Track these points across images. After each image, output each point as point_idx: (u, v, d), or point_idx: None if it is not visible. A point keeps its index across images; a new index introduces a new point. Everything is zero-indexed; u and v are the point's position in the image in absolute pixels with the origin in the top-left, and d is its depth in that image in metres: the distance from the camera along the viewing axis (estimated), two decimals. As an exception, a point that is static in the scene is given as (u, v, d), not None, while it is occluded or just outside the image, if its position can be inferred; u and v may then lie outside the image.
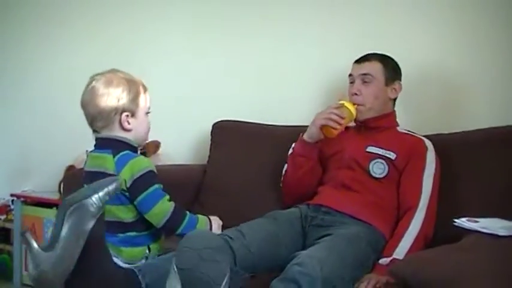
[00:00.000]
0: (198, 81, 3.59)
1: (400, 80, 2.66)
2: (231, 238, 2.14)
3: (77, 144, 3.48)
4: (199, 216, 2.25)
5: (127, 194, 2.15)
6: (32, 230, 3.58)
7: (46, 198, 3.61)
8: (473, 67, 2.83)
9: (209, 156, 3.22)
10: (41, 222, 3.56)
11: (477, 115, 2.79)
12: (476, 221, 2.00)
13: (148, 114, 2.28)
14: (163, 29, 3.73)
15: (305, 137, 2.61)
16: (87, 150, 3.02)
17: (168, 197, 2.18)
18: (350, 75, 2.67)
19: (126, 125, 2.18)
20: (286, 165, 2.71)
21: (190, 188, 3.12)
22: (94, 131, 2.25)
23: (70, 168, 3.45)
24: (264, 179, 2.94)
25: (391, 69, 2.64)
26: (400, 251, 2.23)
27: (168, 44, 3.72)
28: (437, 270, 1.80)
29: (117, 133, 2.19)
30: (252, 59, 3.42)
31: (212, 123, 3.27)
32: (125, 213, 2.17)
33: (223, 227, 2.79)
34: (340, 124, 2.49)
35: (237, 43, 3.47)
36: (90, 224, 1.89)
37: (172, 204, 2.16)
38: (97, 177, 2.10)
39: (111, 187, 1.91)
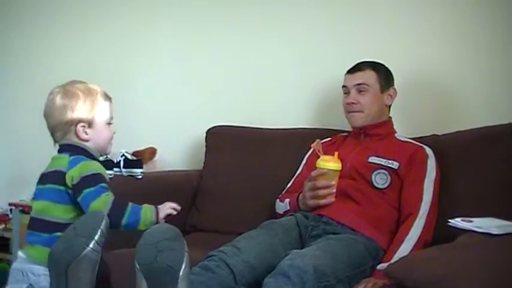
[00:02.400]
0: (193, 88, 3.58)
1: (394, 85, 2.67)
2: (227, 255, 2.11)
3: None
4: (144, 205, 2.13)
5: (70, 191, 2.08)
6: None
7: (44, 207, 3.60)
8: (465, 69, 2.84)
9: (204, 162, 3.22)
10: (39, 231, 3.56)
11: (471, 116, 2.79)
12: (471, 221, 2.01)
13: (111, 125, 2.25)
14: (157, 34, 3.73)
15: (302, 207, 2.57)
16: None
17: (111, 193, 2.11)
18: (344, 86, 2.67)
19: (83, 135, 2.16)
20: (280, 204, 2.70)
21: (187, 193, 3.11)
22: (55, 141, 2.24)
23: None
24: (259, 182, 2.94)
25: (384, 75, 2.64)
26: (399, 257, 2.19)
27: (162, 49, 3.71)
28: (431, 270, 1.81)
29: (75, 141, 2.19)
30: (246, 64, 3.42)
31: (206, 129, 3.27)
32: (61, 213, 2.09)
33: (219, 232, 2.81)
34: (332, 190, 2.45)
35: (231, 49, 3.47)
36: (95, 271, 1.81)
37: (112, 196, 2.08)
38: (50, 176, 2.12)
39: (103, 226, 1.82)
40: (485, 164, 2.48)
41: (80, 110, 2.16)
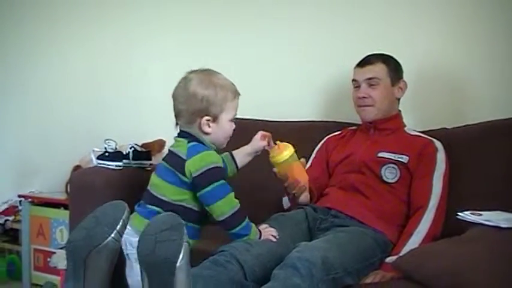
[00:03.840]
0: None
1: (403, 77, 2.66)
2: (238, 251, 2.09)
3: (83, 144, 3.53)
4: (253, 225, 2.19)
5: (188, 180, 2.12)
6: (40, 230, 3.62)
7: (54, 199, 3.63)
8: (475, 62, 2.83)
9: (215, 155, 3.22)
10: (48, 223, 3.59)
11: (480, 110, 2.78)
12: (480, 214, 2.02)
13: (233, 121, 2.26)
14: (168, 29, 3.76)
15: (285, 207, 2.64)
16: (93, 150, 3.06)
17: (233, 193, 2.17)
18: (354, 80, 2.65)
19: (205, 128, 2.16)
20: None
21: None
22: (177, 123, 2.24)
23: (76, 168, 3.47)
24: (266, 175, 2.93)
25: (394, 68, 2.62)
26: (408, 250, 2.20)
27: (173, 41, 3.73)
28: (440, 263, 1.83)
29: (196, 133, 2.19)
30: (256, 57, 3.43)
31: (216, 121, 3.27)
32: (172, 193, 2.13)
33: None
34: (301, 190, 2.42)
35: (241, 43, 3.49)
36: (114, 261, 1.81)
37: (238, 202, 2.15)
38: (171, 158, 2.17)
39: (124, 217, 1.81)
40: (494, 157, 2.47)
41: (210, 103, 2.15)
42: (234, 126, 2.26)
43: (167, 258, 1.70)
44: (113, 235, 1.77)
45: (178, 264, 1.69)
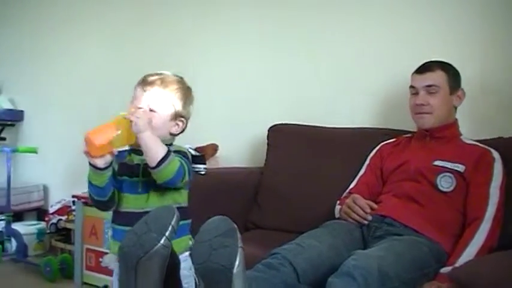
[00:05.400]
0: (255, 85, 3.62)
1: (461, 86, 2.61)
2: (290, 253, 2.10)
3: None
4: None
5: None
6: (92, 230, 3.66)
7: (107, 200, 3.67)
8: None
9: (266, 159, 3.24)
10: (101, 223, 3.63)
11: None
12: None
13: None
14: (219, 33, 3.78)
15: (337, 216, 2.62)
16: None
17: None
18: (412, 86, 2.62)
19: None
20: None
21: (249, 190, 3.15)
22: None
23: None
24: (321, 182, 2.94)
25: (453, 76, 2.58)
26: (463, 261, 2.17)
27: (225, 48, 3.76)
28: (496, 276, 1.79)
29: None
30: (309, 63, 3.43)
31: (268, 127, 3.29)
32: (181, 197, 2.12)
33: (280, 229, 2.81)
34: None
35: (293, 46, 3.49)
36: (165, 267, 1.80)
37: None
38: None
39: (173, 222, 1.80)
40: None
41: None
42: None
43: (223, 265, 1.69)
44: (162, 242, 1.77)
45: (235, 271, 1.69)
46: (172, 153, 1.98)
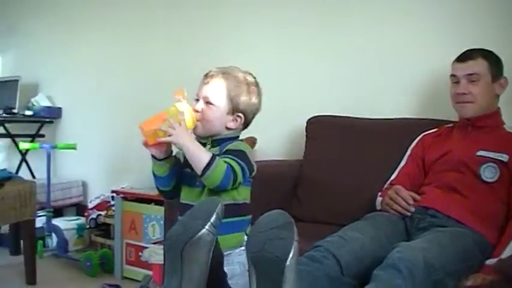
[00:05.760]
0: (294, 78, 3.61)
1: (503, 74, 2.56)
2: (333, 246, 2.09)
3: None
4: None
5: None
6: (132, 225, 3.68)
7: (146, 195, 3.69)
8: None
9: (305, 152, 3.23)
10: (140, 218, 3.65)
11: None
12: None
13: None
14: (260, 26, 3.78)
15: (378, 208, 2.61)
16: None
17: None
18: (453, 75, 2.57)
19: None
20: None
21: (288, 183, 3.14)
22: None
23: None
24: (361, 173, 2.91)
25: (496, 64, 2.53)
26: (509, 253, 2.13)
27: (261, 41, 3.75)
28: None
29: None
30: (348, 54, 3.40)
31: (306, 119, 3.27)
32: (238, 193, 2.12)
33: (320, 222, 2.79)
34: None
35: (333, 39, 3.46)
36: (210, 254, 1.82)
37: None
38: None
39: (218, 210, 1.83)
40: None
41: None
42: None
43: (277, 256, 1.70)
44: (207, 227, 1.79)
45: (288, 263, 1.69)
46: (216, 159, 2.00)
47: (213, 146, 2.14)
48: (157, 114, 2.06)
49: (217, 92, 2.11)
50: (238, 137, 2.21)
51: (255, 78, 2.23)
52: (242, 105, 2.14)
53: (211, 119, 2.11)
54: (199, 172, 1.98)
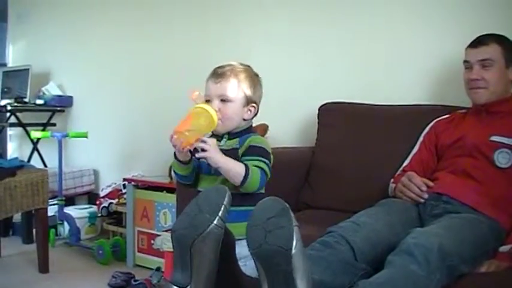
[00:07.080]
0: (306, 64, 3.59)
1: None
2: (346, 231, 2.07)
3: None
4: None
5: None
6: (144, 213, 3.69)
7: (157, 182, 3.69)
8: None
9: (317, 138, 3.22)
10: (152, 206, 3.66)
11: None
12: None
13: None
14: (272, 15, 3.76)
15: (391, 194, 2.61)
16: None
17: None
18: (466, 61, 2.54)
19: None
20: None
21: (300, 170, 3.13)
22: None
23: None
24: (373, 160, 2.90)
25: (510, 50, 2.49)
26: None
27: (275, 28, 3.73)
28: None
29: None
30: (359, 40, 3.38)
31: (318, 106, 3.26)
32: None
33: (332, 209, 2.78)
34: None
35: (344, 25, 3.44)
36: (219, 245, 1.81)
37: None
38: None
39: (226, 202, 1.82)
40: None
41: None
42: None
43: (280, 247, 1.67)
44: (215, 222, 1.78)
45: (293, 251, 1.66)
46: (250, 168, 2.05)
47: (229, 139, 2.20)
48: (187, 117, 2.07)
49: (232, 88, 2.17)
50: (251, 126, 2.27)
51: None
52: (254, 96, 2.21)
53: (231, 115, 2.17)
54: (237, 183, 2.03)
